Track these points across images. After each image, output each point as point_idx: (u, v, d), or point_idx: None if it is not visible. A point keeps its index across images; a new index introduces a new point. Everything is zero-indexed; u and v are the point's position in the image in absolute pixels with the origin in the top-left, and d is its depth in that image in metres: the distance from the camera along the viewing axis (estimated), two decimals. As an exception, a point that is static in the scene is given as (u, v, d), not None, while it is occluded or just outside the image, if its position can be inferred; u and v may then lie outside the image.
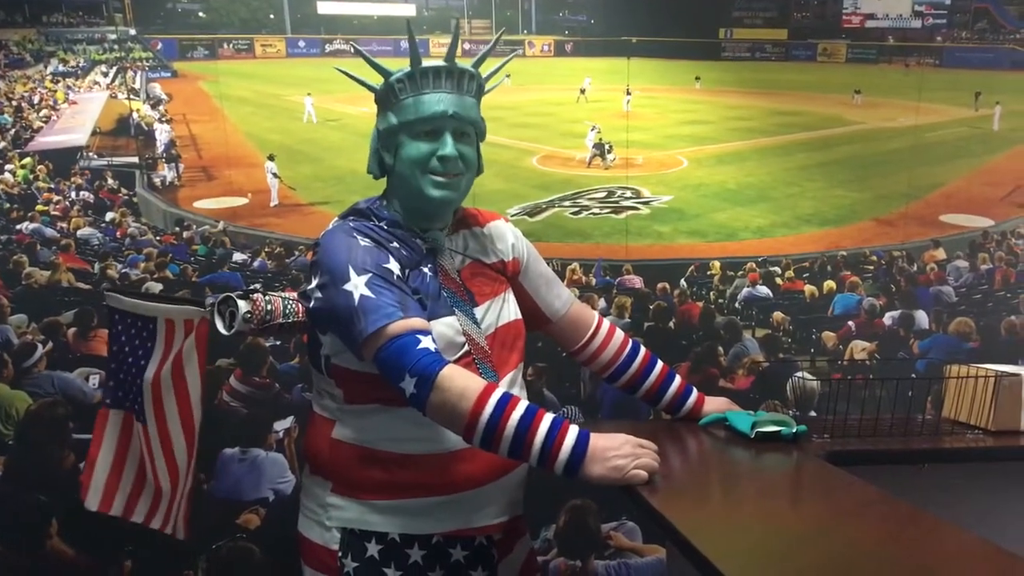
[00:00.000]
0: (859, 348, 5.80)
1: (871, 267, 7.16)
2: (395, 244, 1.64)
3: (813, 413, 3.58)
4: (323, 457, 1.71)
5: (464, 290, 1.69)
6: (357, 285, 1.52)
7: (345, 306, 1.53)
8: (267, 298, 1.69)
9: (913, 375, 3.95)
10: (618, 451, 1.45)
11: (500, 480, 1.70)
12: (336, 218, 1.73)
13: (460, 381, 1.45)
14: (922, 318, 6.14)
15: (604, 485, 1.47)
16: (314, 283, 1.61)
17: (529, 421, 1.41)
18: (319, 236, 1.67)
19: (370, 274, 1.54)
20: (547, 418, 1.41)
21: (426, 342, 1.49)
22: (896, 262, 7.13)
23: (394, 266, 1.58)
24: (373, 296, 1.51)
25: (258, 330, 1.70)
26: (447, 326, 1.63)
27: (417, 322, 1.52)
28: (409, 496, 1.65)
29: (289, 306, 1.73)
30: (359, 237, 1.60)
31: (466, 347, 1.64)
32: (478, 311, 1.69)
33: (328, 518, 1.69)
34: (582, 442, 1.39)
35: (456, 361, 1.61)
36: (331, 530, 1.68)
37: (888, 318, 6.18)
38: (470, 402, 1.43)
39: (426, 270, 1.66)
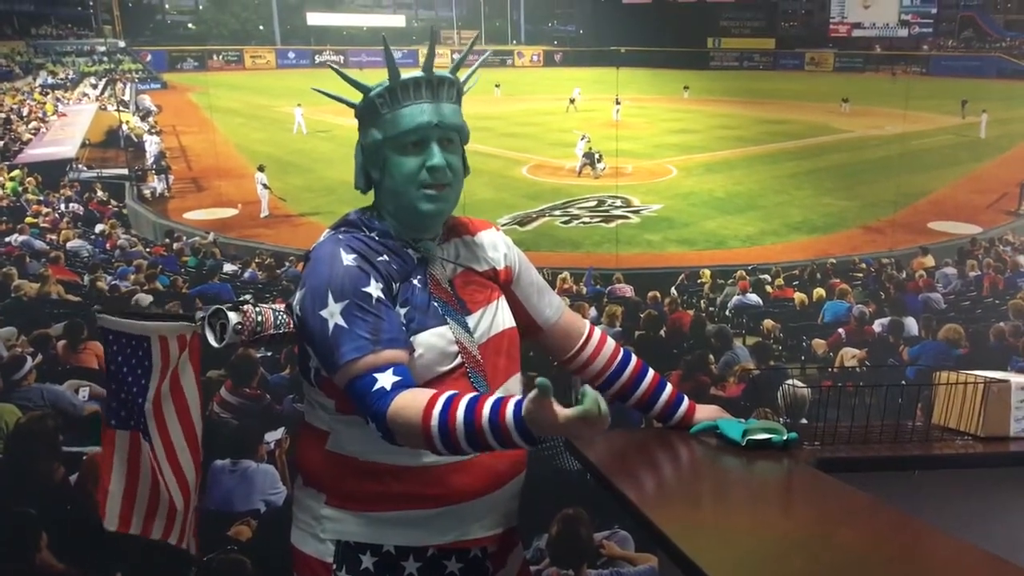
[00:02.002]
0: (849, 355, 5.82)
1: (860, 274, 7.19)
2: (384, 257, 1.63)
3: (804, 420, 3.59)
4: (317, 469, 1.70)
5: (456, 299, 1.69)
6: (333, 313, 1.53)
7: (320, 332, 1.54)
8: (257, 309, 1.68)
9: (903, 382, 3.96)
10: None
11: (495, 492, 1.70)
12: (327, 229, 1.72)
13: (407, 410, 1.45)
14: (912, 325, 6.17)
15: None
16: (297, 297, 1.62)
17: (472, 410, 1.40)
18: (311, 248, 1.67)
19: (347, 301, 1.54)
20: (489, 401, 1.41)
21: (383, 380, 1.48)
22: (885, 269, 7.17)
23: (374, 289, 1.56)
24: (346, 326, 1.52)
25: (248, 342, 1.69)
26: (439, 336, 1.62)
27: (384, 356, 1.51)
28: (404, 508, 1.64)
29: (279, 317, 1.72)
30: (345, 254, 1.59)
31: (459, 357, 1.64)
32: (471, 319, 1.69)
33: (322, 530, 1.68)
34: (518, 408, 1.37)
35: (449, 372, 1.62)
36: (325, 542, 1.67)
37: (878, 325, 6.21)
38: (419, 421, 1.43)
39: (416, 282, 1.65)
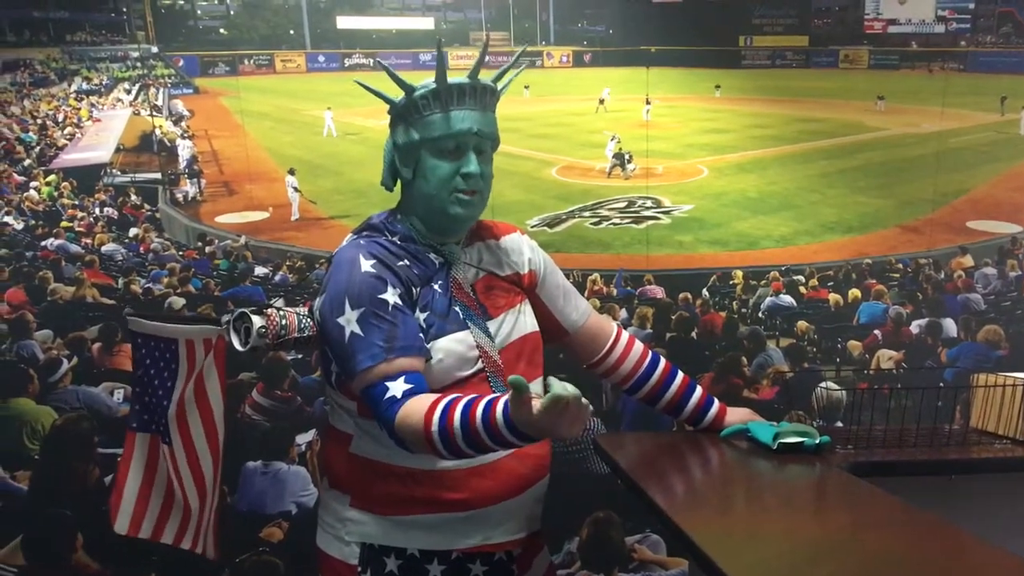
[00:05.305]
0: (886, 357, 5.73)
1: (897, 275, 7.11)
2: (405, 261, 1.63)
3: (839, 424, 3.54)
4: (341, 471, 1.71)
5: (477, 303, 1.69)
6: (350, 320, 1.55)
7: (337, 339, 1.56)
8: (281, 313, 1.69)
9: (941, 384, 3.89)
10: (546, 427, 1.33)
11: (518, 496, 1.69)
12: (350, 233, 1.73)
13: (410, 417, 1.45)
14: (950, 326, 6.08)
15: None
16: (318, 302, 1.64)
17: (468, 412, 1.39)
18: (334, 252, 1.68)
19: (363, 308, 1.55)
20: (483, 401, 1.39)
21: (394, 388, 1.49)
22: (923, 269, 7.07)
23: (391, 295, 1.57)
24: (362, 334, 1.53)
25: (273, 345, 1.70)
26: (458, 341, 1.62)
27: (397, 364, 1.52)
28: (427, 511, 1.64)
29: (303, 321, 1.72)
30: (364, 260, 1.59)
31: (479, 362, 1.63)
32: (492, 324, 1.68)
33: (347, 533, 1.68)
34: (507, 408, 1.34)
35: (469, 377, 1.61)
36: (350, 545, 1.68)
37: (915, 326, 6.12)
38: (421, 427, 1.43)
39: (436, 287, 1.65)
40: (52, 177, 6.10)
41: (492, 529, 1.67)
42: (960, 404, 2.20)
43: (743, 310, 6.62)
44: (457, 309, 1.65)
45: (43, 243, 5.69)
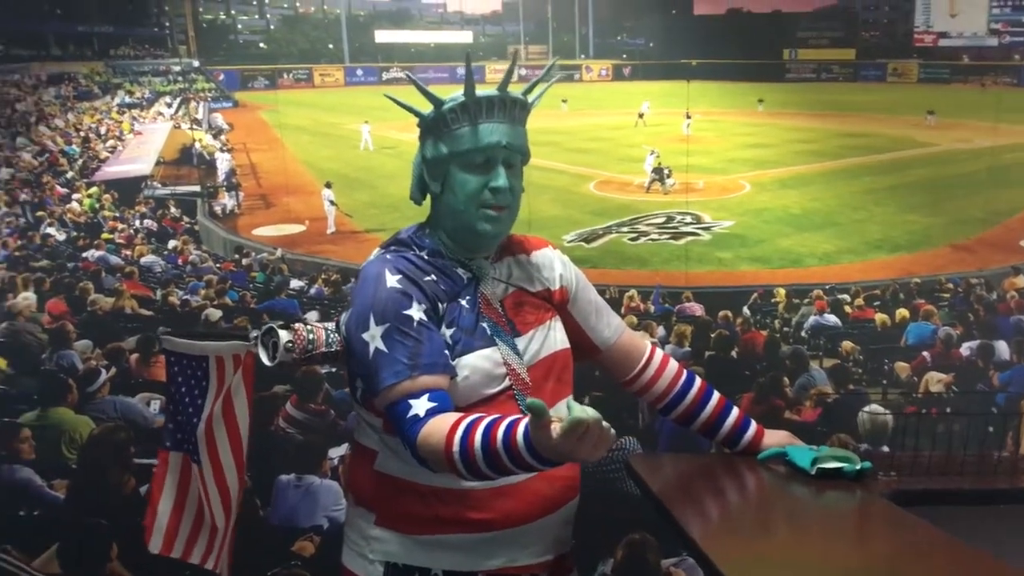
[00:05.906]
0: (935, 380, 5.58)
1: (947, 295, 6.96)
2: (432, 276, 1.61)
3: (886, 448, 3.44)
4: (366, 488, 1.69)
5: (506, 320, 1.66)
6: (374, 336, 1.54)
7: (362, 355, 1.55)
8: (309, 328, 1.69)
9: (993, 409, 3.77)
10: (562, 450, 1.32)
11: (545, 518, 1.65)
12: (378, 248, 1.72)
13: (432, 437, 1.44)
14: (1002, 348, 5.91)
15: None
16: (344, 317, 1.64)
17: (488, 433, 1.38)
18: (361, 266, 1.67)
19: (388, 324, 1.54)
20: (504, 423, 1.38)
21: (417, 407, 1.48)
22: (974, 290, 6.91)
23: (416, 311, 1.55)
24: (386, 351, 1.52)
25: (301, 360, 1.70)
26: (485, 358, 1.59)
27: (421, 382, 1.51)
28: (451, 531, 1.61)
29: (332, 336, 1.72)
30: (390, 275, 1.58)
31: (507, 380, 1.60)
32: (520, 341, 1.65)
33: (371, 551, 1.66)
34: (528, 430, 1.33)
35: (496, 395, 1.59)
36: (374, 563, 1.65)
37: (966, 348, 5.97)
38: (442, 448, 1.42)
39: (464, 302, 1.63)
40: (94, 189, 6.22)
41: (518, 551, 1.64)
42: (1012, 430, 2.12)
43: (785, 329, 6.52)
44: (484, 325, 1.63)
45: (84, 254, 5.79)
